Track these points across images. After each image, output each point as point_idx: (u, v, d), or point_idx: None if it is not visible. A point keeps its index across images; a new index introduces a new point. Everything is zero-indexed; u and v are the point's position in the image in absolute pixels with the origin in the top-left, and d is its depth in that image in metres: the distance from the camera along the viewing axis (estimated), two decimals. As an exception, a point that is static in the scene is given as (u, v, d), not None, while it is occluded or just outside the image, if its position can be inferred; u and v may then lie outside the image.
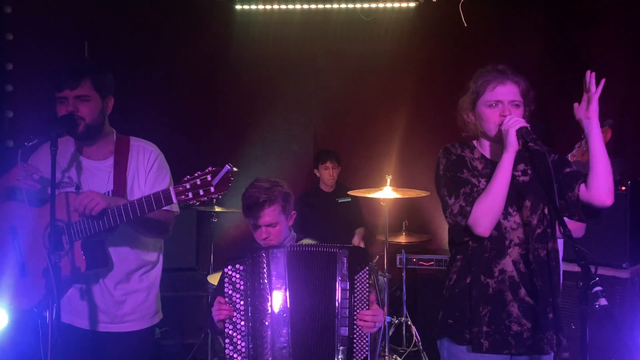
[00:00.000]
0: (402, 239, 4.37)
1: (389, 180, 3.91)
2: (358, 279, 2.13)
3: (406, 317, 4.31)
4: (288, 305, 2.12)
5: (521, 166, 2.19)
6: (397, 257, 4.43)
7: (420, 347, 4.17)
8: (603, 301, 1.61)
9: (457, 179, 2.14)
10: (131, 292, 2.31)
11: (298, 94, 5.04)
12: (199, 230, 4.71)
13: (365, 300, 2.14)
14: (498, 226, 2.10)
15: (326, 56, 4.97)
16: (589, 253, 1.72)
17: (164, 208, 2.19)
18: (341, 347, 2.09)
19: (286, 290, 2.12)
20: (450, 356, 2.19)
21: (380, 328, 2.20)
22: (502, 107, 2.09)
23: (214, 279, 3.83)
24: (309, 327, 2.12)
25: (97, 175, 2.29)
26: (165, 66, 4.77)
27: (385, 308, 3.99)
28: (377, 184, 4.04)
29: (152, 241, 2.37)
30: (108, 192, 2.27)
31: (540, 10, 4.41)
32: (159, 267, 2.42)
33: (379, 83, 4.96)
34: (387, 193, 3.86)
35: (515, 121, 2.03)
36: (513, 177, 2.12)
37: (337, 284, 2.12)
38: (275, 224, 2.27)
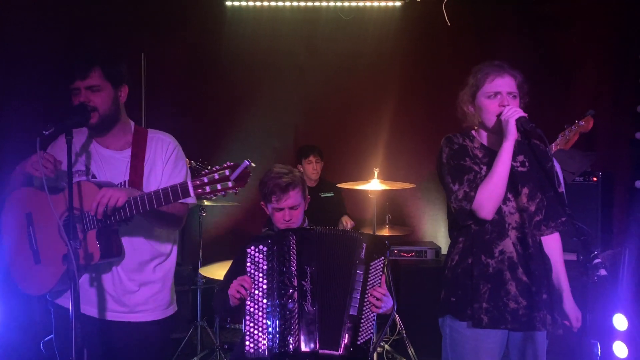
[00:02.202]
0: (386, 231, 4.50)
1: (376, 173, 4.03)
2: (373, 266, 2.25)
3: (390, 306, 4.42)
4: (317, 283, 2.20)
5: (520, 157, 2.33)
6: (380, 249, 4.56)
7: (404, 334, 4.30)
8: (603, 272, 1.76)
9: (461, 167, 2.27)
10: (145, 282, 2.30)
11: (280, 91, 5.08)
12: (184, 225, 4.70)
13: (377, 286, 2.25)
14: (498, 210, 2.24)
15: (313, 56, 5.03)
16: (588, 229, 1.87)
17: (180, 201, 2.22)
18: (348, 325, 2.19)
19: (315, 269, 2.21)
20: (452, 332, 2.31)
21: (388, 317, 2.29)
22: (501, 98, 2.23)
23: (205, 271, 3.86)
24: (329, 303, 2.21)
25: (115, 165, 2.28)
26: (153, 61, 4.75)
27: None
28: (364, 178, 4.16)
29: (165, 232, 2.36)
30: (124, 182, 2.26)
31: (519, 11, 4.61)
32: (172, 259, 2.40)
33: (364, 80, 5.05)
34: (374, 185, 3.98)
35: (514, 111, 2.17)
36: (512, 166, 2.26)
37: (355, 266, 2.23)
38: (297, 207, 2.39)
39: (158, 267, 2.34)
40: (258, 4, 4.98)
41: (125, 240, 2.26)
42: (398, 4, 4.94)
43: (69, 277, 1.95)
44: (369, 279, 2.24)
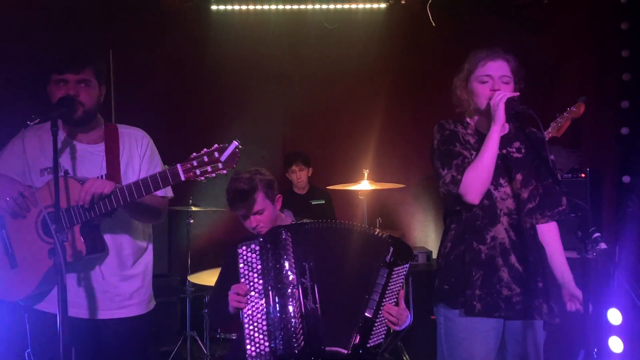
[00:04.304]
0: (377, 235, 4.46)
1: (366, 174, 4.02)
2: (396, 272, 2.18)
3: (382, 312, 4.37)
4: (317, 279, 2.12)
5: (516, 143, 2.32)
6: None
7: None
8: (603, 245, 1.73)
9: (450, 152, 2.26)
10: (127, 277, 2.29)
11: (266, 98, 5.05)
12: (171, 234, 4.63)
13: (395, 293, 2.18)
14: (489, 196, 2.22)
15: (301, 60, 5.01)
16: (584, 205, 1.85)
17: (159, 192, 2.22)
18: (361, 325, 2.11)
19: (314, 265, 2.13)
20: (446, 321, 2.27)
21: (405, 328, 2.24)
22: (492, 82, 2.22)
23: (194, 278, 3.78)
24: (337, 301, 2.13)
25: (90, 159, 2.27)
26: (137, 68, 4.71)
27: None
28: (355, 179, 4.14)
29: (142, 227, 2.37)
30: (102, 176, 2.24)
31: (503, 10, 4.66)
32: (149, 253, 2.41)
33: (351, 83, 5.05)
34: (365, 185, 3.96)
35: (503, 95, 2.16)
36: (507, 152, 2.26)
37: (377, 268, 2.15)
38: (262, 211, 2.33)
39: (138, 261, 2.34)
40: (244, 7, 4.95)
41: (108, 236, 2.24)
42: (383, 5, 4.97)
43: (56, 271, 1.89)
44: (389, 284, 2.16)
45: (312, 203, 4.71)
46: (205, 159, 1.94)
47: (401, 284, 2.18)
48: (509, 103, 2.14)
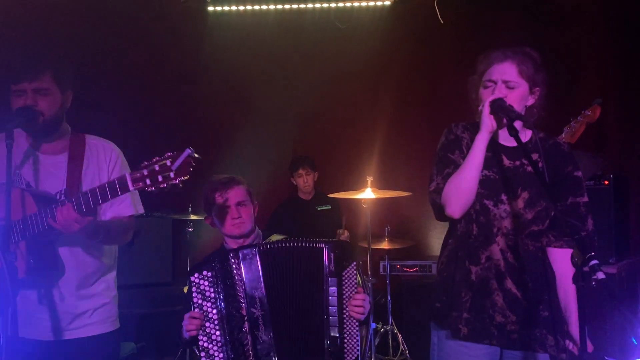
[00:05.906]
0: (385, 244, 4.26)
1: (369, 181, 3.84)
2: (346, 276, 2.06)
3: (392, 325, 4.21)
4: (268, 308, 2.02)
5: (534, 155, 2.05)
6: (381, 264, 4.35)
7: (408, 355, 4.06)
8: (600, 275, 1.52)
9: (446, 159, 2.08)
10: (89, 296, 2.20)
11: (273, 102, 4.93)
12: (175, 242, 4.56)
13: (352, 296, 2.07)
14: (486, 212, 2.02)
15: (301, 61, 4.88)
16: (580, 226, 1.63)
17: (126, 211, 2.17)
18: (331, 349, 2.00)
19: (264, 292, 2.03)
20: (438, 341, 2.12)
21: (368, 325, 2.12)
22: (493, 88, 1.99)
23: (190, 289, 3.68)
24: (295, 329, 2.02)
25: (51, 172, 2.17)
26: (136, 73, 4.65)
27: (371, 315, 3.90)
28: (359, 187, 3.96)
29: (108, 246, 2.28)
30: (60, 191, 2.14)
31: (517, 4, 4.42)
32: (114, 271, 2.32)
33: (356, 85, 4.90)
34: (368, 194, 3.79)
35: (487, 98, 1.95)
36: (521, 164, 2.04)
37: (324, 281, 2.04)
38: (244, 203, 2.25)
39: (101, 279, 2.25)
40: (241, 8, 4.84)
41: (69, 254, 2.14)
42: (387, 2, 4.78)
43: (4, 293, 1.77)
44: (344, 291, 2.04)
45: (318, 209, 4.57)
46: (157, 167, 1.80)
47: (355, 284, 2.07)
48: (495, 106, 1.92)
